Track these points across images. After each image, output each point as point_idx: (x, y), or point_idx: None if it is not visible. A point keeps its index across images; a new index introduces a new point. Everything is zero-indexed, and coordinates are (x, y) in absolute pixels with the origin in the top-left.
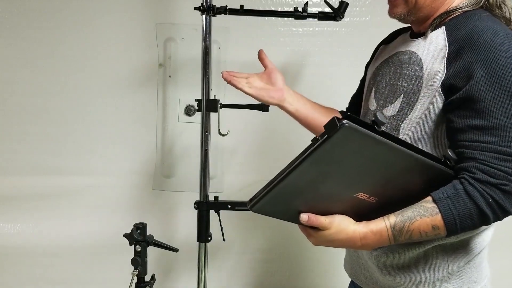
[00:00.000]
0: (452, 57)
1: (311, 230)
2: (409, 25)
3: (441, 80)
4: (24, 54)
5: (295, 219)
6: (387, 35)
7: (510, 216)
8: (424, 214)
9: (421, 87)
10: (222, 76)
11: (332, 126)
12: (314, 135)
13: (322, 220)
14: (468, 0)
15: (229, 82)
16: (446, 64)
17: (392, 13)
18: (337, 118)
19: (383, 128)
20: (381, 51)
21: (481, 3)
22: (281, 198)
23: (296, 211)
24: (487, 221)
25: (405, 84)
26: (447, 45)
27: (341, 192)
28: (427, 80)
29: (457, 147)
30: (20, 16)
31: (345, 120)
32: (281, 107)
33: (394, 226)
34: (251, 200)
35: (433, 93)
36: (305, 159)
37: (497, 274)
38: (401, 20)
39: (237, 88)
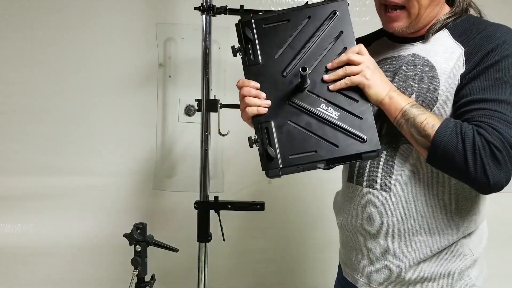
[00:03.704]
0: (470, 53)
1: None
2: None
3: (462, 73)
4: (24, 54)
5: None
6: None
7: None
8: (429, 118)
9: (438, 85)
10: None
11: None
12: None
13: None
14: (457, 8)
15: None
16: (466, 61)
17: (392, 28)
18: None
19: None
20: None
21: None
22: None
23: None
24: (466, 169)
25: (416, 85)
26: (462, 46)
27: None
28: (446, 79)
29: (465, 113)
30: (20, 16)
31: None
32: None
33: (412, 107)
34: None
35: (453, 87)
36: None
37: (495, 275)
38: (398, 33)
39: None
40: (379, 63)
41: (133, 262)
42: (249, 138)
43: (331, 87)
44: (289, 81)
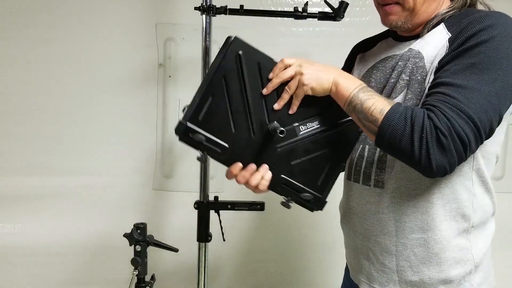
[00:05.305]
0: (454, 38)
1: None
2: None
3: (441, 58)
4: (24, 54)
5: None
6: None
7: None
8: (378, 102)
9: (426, 75)
10: None
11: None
12: None
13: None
14: (457, 4)
15: None
16: (448, 46)
17: (387, 21)
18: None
19: None
20: (360, 60)
21: (467, 4)
22: None
23: None
24: (412, 151)
25: (407, 78)
26: (449, 33)
27: None
28: (429, 67)
29: (429, 95)
30: (19, 15)
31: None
32: None
33: (358, 92)
34: None
35: (433, 73)
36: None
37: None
38: (395, 28)
39: None
40: (380, 61)
41: (133, 262)
42: (282, 203)
43: (290, 112)
44: (263, 136)
